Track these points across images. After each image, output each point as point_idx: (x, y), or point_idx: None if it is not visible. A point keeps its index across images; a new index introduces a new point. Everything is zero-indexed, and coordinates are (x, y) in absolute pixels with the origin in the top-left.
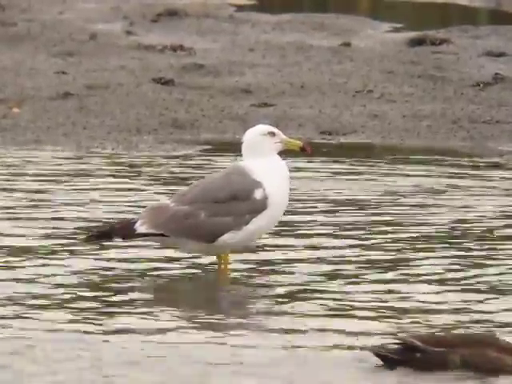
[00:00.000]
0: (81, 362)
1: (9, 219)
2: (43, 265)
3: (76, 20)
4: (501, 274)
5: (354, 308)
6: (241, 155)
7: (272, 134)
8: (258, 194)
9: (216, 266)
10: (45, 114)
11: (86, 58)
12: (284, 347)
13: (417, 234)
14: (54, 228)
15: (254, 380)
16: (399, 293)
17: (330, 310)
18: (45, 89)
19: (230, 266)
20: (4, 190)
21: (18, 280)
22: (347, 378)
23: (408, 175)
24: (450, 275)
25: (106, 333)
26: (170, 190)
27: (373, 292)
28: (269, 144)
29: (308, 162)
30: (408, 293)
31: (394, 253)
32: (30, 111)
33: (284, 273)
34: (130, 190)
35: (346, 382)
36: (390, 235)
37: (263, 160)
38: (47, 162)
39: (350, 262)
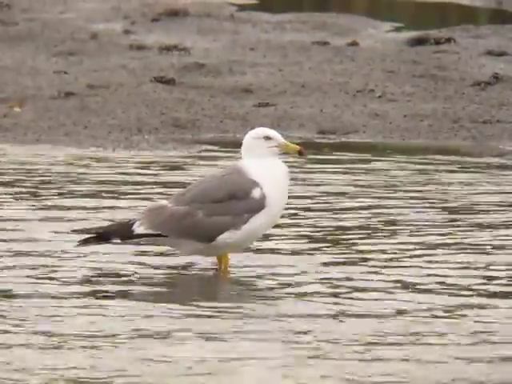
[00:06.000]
0: None
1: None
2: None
3: (77, 20)
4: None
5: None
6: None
7: (267, 138)
8: (256, 194)
9: (216, 267)
10: (46, 114)
11: (86, 57)
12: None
13: (415, 233)
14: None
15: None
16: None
17: (335, 313)
18: (46, 88)
19: (229, 267)
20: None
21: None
22: None
23: (407, 174)
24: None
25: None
26: (170, 189)
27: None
28: (263, 148)
29: (308, 161)
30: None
31: (393, 252)
32: (31, 111)
33: (286, 274)
34: (129, 189)
35: None
36: (387, 233)
37: (261, 160)
38: (46, 160)
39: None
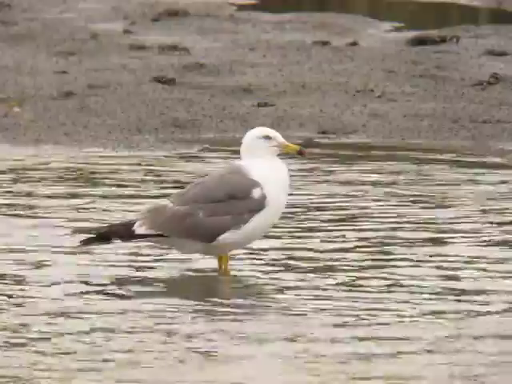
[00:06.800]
0: None
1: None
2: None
3: (77, 19)
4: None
5: None
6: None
7: (267, 137)
8: (255, 193)
9: (217, 267)
10: (46, 114)
11: (86, 57)
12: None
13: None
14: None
15: None
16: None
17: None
18: (46, 88)
19: (230, 266)
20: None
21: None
22: None
23: (407, 174)
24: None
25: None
26: (170, 189)
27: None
28: (263, 147)
29: (309, 161)
30: None
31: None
32: (30, 110)
33: (288, 271)
34: (129, 189)
35: None
36: (387, 233)
37: (261, 160)
38: (46, 160)
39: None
